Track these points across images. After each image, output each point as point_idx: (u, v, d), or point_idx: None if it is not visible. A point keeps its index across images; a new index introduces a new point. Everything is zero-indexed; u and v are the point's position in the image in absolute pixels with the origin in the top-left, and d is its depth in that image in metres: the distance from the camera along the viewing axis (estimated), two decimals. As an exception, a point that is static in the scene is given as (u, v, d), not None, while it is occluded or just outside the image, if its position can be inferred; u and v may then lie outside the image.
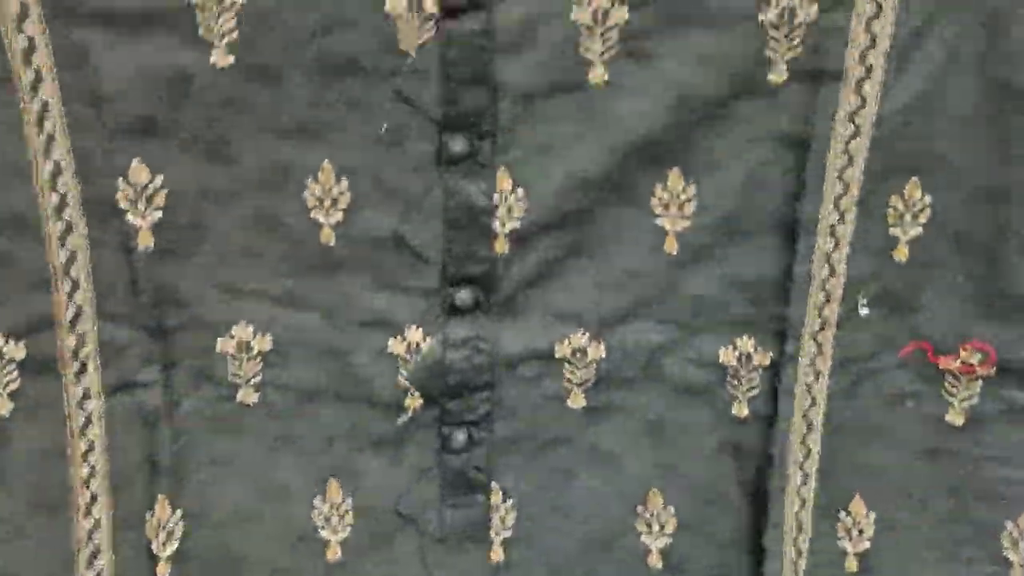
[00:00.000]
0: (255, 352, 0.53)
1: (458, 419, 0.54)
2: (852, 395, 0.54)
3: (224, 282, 0.51)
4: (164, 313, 0.51)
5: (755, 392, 0.54)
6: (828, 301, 0.52)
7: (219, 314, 0.52)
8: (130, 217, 0.49)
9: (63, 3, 0.44)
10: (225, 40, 0.46)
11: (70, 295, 0.50)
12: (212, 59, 0.46)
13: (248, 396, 0.53)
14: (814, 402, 0.53)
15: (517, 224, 0.51)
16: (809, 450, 0.54)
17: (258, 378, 0.53)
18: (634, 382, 0.54)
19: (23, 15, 0.45)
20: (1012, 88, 0.48)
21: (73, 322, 0.50)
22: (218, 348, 0.52)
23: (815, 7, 0.46)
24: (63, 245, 0.49)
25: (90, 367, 0.51)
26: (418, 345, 0.53)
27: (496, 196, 0.50)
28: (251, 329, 0.52)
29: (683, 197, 0.51)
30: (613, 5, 0.46)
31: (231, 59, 0.46)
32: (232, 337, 0.52)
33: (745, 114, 0.49)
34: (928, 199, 0.50)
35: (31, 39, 0.45)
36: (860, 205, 0.50)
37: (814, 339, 0.52)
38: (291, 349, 0.53)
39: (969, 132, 0.49)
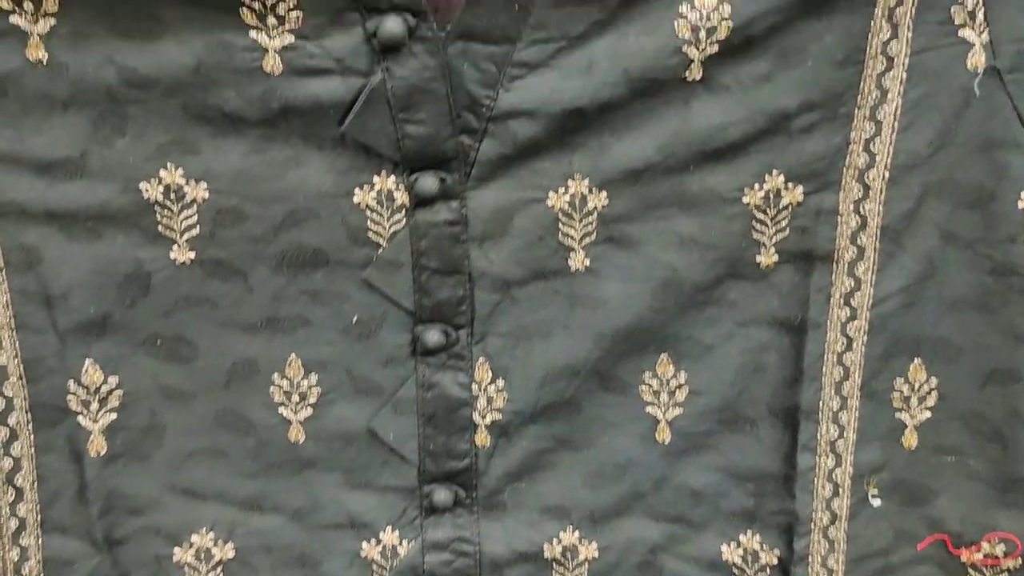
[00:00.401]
0: (216, 561, 0.48)
1: (439, 631, 0.50)
2: None
3: (183, 486, 0.47)
4: (115, 522, 0.47)
5: (763, 594, 0.50)
6: (836, 493, 0.48)
7: (177, 521, 0.48)
8: (81, 420, 0.46)
9: (15, 204, 0.42)
10: (186, 236, 0.44)
11: (12, 506, 0.47)
12: (172, 255, 0.44)
13: (207, 611, 0.49)
14: (828, 602, 0.49)
15: (498, 416, 0.47)
16: (824, 655, 0.49)
17: (218, 591, 0.49)
18: (631, 584, 0.50)
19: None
20: (1008, 266, 0.45)
21: (16, 535, 0.47)
22: (175, 558, 0.48)
23: (800, 189, 0.44)
24: (6, 453, 0.46)
25: (33, 584, 0.47)
26: (395, 549, 0.49)
27: (475, 387, 0.47)
28: (212, 536, 0.48)
29: (674, 384, 0.48)
30: (591, 191, 0.44)
31: (192, 255, 0.44)
32: (191, 545, 0.48)
33: (734, 298, 0.46)
34: (934, 381, 0.47)
35: (-21, 241, 0.44)
36: (863, 390, 0.47)
37: (824, 535, 0.48)
38: (255, 557, 0.48)
39: (969, 312, 0.46)
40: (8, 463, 0.46)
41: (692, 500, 0.49)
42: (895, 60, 0.42)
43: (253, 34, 0.40)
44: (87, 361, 0.45)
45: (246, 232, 0.44)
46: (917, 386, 0.47)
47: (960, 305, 0.46)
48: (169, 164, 0.42)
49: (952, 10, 0.42)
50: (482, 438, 0.48)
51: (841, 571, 0.48)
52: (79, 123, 0.41)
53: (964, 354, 0.47)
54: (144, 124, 0.42)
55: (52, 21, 0.39)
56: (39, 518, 0.46)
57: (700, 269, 0.46)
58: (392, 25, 0.40)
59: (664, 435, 0.48)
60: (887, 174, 0.44)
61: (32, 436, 0.46)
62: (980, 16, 0.42)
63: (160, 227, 0.43)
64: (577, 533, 0.49)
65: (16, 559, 0.47)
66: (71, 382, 0.45)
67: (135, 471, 0.47)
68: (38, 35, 0.40)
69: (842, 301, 0.46)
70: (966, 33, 0.42)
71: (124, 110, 0.41)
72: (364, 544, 0.48)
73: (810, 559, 0.48)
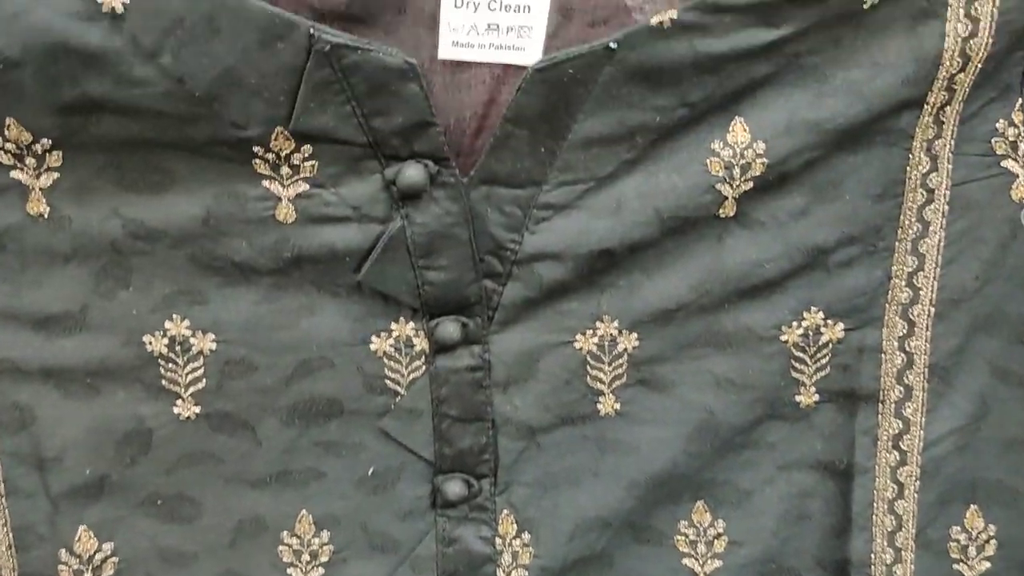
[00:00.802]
0: None
1: None
2: None
3: (183, 656, 0.44)
4: None
5: None
6: (892, 651, 0.45)
7: None
8: (74, 591, 0.43)
9: (9, 361, 0.40)
10: (191, 390, 0.41)
11: None
12: (176, 410, 0.41)
13: None
14: None
15: (525, 573, 0.44)
16: None
17: None
18: None
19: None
20: None
21: None
22: None
23: (840, 325, 0.42)
24: (-7, 628, 0.43)
25: None
26: None
27: (499, 542, 0.44)
28: None
29: (711, 533, 0.45)
30: (621, 333, 0.42)
31: (197, 409, 0.41)
32: None
33: (774, 440, 0.44)
34: (992, 529, 0.44)
35: (-30, 399, 0.41)
36: (918, 540, 0.44)
37: None
38: None
39: None
40: (-7, 639, 0.43)
41: (735, 659, 0.46)
42: (936, 192, 0.41)
43: (266, 183, 0.38)
44: (80, 528, 0.42)
45: (255, 384, 0.41)
46: (975, 534, 0.44)
47: (1017, 445, 0.43)
48: (175, 315, 0.40)
49: (993, 141, 0.40)
50: (508, 596, 0.45)
51: None
52: (80, 276, 0.39)
53: (1021, 498, 0.44)
54: (149, 275, 0.39)
55: (55, 175, 0.37)
56: None
57: (737, 411, 0.43)
58: (412, 173, 0.38)
59: (703, 589, 0.45)
60: (932, 309, 0.42)
61: None
62: (1023, 147, 0.41)
63: (164, 381, 0.41)
64: None
65: None
66: (63, 551, 0.42)
67: (132, 641, 0.44)
68: (40, 189, 0.38)
69: (890, 444, 0.43)
70: (1009, 164, 0.41)
71: (128, 262, 0.39)
72: None
73: None
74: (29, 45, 0.34)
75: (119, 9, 0.33)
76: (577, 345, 0.42)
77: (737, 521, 0.44)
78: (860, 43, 0.38)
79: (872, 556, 0.44)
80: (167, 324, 0.40)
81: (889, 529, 0.44)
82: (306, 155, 0.38)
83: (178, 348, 0.41)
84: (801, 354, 0.43)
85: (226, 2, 0.34)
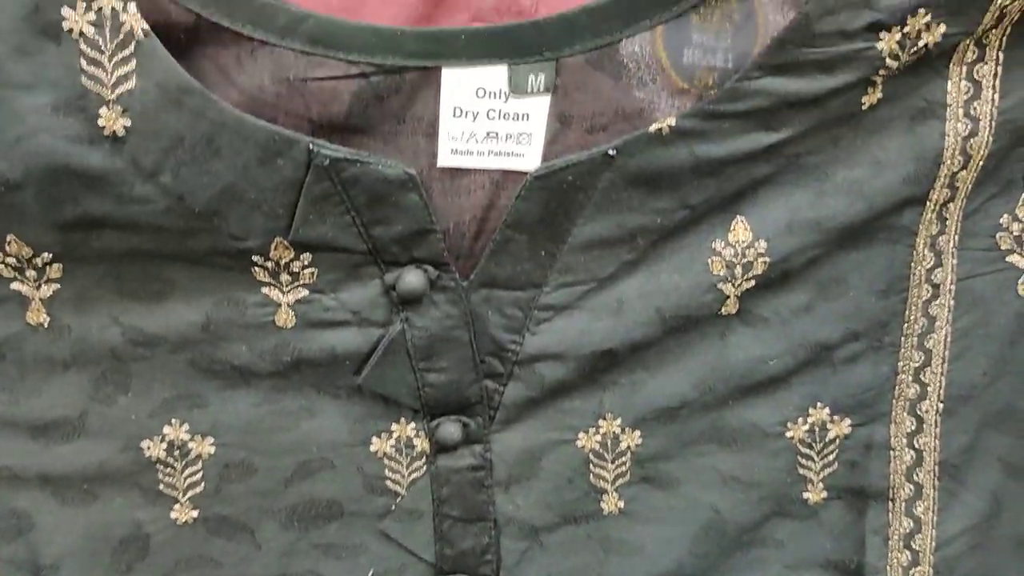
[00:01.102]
0: None
1: None
2: None
3: None
4: None
5: None
6: None
7: None
8: None
9: (7, 468, 0.39)
10: (189, 494, 0.40)
11: None
12: (173, 515, 0.40)
13: None
14: None
15: (530, 676, 0.44)
16: None
17: None
18: None
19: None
20: None
21: None
22: None
23: (847, 421, 0.42)
24: None
25: None
26: None
27: (502, 643, 0.44)
28: None
29: (720, 632, 0.45)
30: (624, 430, 0.41)
31: (195, 513, 0.41)
32: None
33: (782, 537, 0.43)
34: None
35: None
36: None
37: None
38: None
39: None
40: None
41: None
42: (941, 288, 0.40)
43: (265, 290, 0.38)
44: None
45: (255, 486, 0.41)
46: None
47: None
48: (174, 420, 0.39)
49: (997, 236, 0.40)
50: None
51: None
52: (79, 383, 0.39)
53: None
54: (148, 380, 0.39)
55: (55, 286, 0.37)
56: None
57: (744, 509, 0.42)
58: (412, 279, 0.38)
59: None
60: (941, 405, 0.41)
61: None
62: (1027, 242, 0.41)
63: (162, 486, 0.40)
64: None
65: None
66: None
67: None
68: (40, 300, 0.37)
69: (902, 544, 0.42)
70: (1014, 259, 0.40)
71: (128, 367, 0.39)
72: None
73: None
74: (31, 169, 0.34)
75: (120, 132, 0.33)
76: (579, 443, 0.42)
77: (745, 621, 0.44)
78: (860, 142, 0.38)
79: (885, 657, 0.43)
80: (166, 429, 0.40)
81: None
82: (305, 263, 0.38)
83: (176, 452, 0.40)
84: (808, 450, 0.42)
85: (226, 122, 0.34)
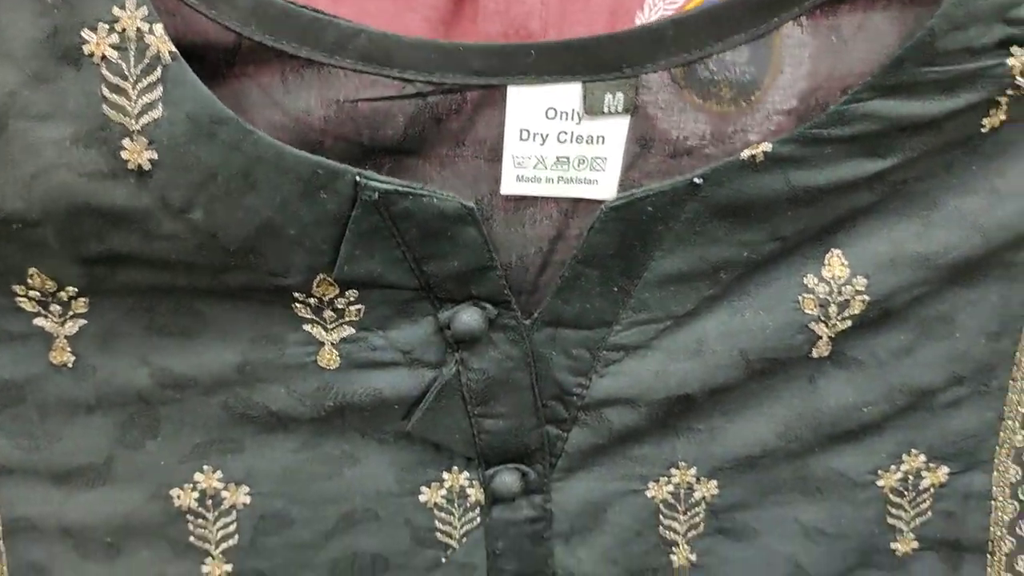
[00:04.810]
0: None
1: None
2: None
3: None
4: None
5: None
6: None
7: None
8: None
9: (25, 519, 0.36)
10: (222, 548, 0.37)
11: None
12: (205, 569, 0.37)
13: None
14: None
15: None
16: None
17: None
18: None
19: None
20: None
21: None
22: None
23: (944, 469, 0.38)
24: None
25: None
26: None
27: None
28: None
29: None
30: (699, 480, 0.37)
31: (228, 568, 0.37)
32: None
33: (868, 588, 0.40)
34: None
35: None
36: None
37: None
38: None
39: None
40: None
41: None
42: (1057, 328, 0.37)
43: (307, 327, 0.34)
44: None
45: (292, 539, 0.37)
46: None
47: None
48: (206, 467, 0.36)
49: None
50: None
51: None
52: (105, 427, 0.35)
53: None
54: (179, 424, 0.35)
55: (81, 322, 0.34)
56: None
57: (827, 562, 0.39)
58: (469, 318, 0.34)
59: None
60: (1051, 451, 0.38)
61: None
62: None
63: (192, 538, 0.37)
64: None
65: None
66: None
67: None
68: (65, 337, 0.34)
69: (1000, 600, 0.40)
70: None
71: (156, 411, 0.35)
72: None
73: None
74: (50, 207, 0.30)
75: (146, 166, 0.29)
76: (649, 494, 0.38)
77: None
78: (976, 168, 0.34)
79: None
80: (197, 476, 0.36)
81: None
82: (351, 299, 0.34)
83: (209, 502, 0.37)
84: (899, 499, 0.38)
85: (263, 155, 0.29)
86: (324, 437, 0.36)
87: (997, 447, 0.38)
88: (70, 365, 0.34)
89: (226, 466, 0.36)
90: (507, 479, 0.37)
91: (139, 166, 0.29)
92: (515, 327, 0.35)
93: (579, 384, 0.36)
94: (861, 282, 0.35)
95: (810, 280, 0.35)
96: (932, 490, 0.38)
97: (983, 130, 0.33)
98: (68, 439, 0.35)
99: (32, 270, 0.32)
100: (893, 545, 0.39)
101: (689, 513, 0.38)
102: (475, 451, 0.37)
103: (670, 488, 0.38)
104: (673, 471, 0.38)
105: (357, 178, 0.31)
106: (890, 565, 0.39)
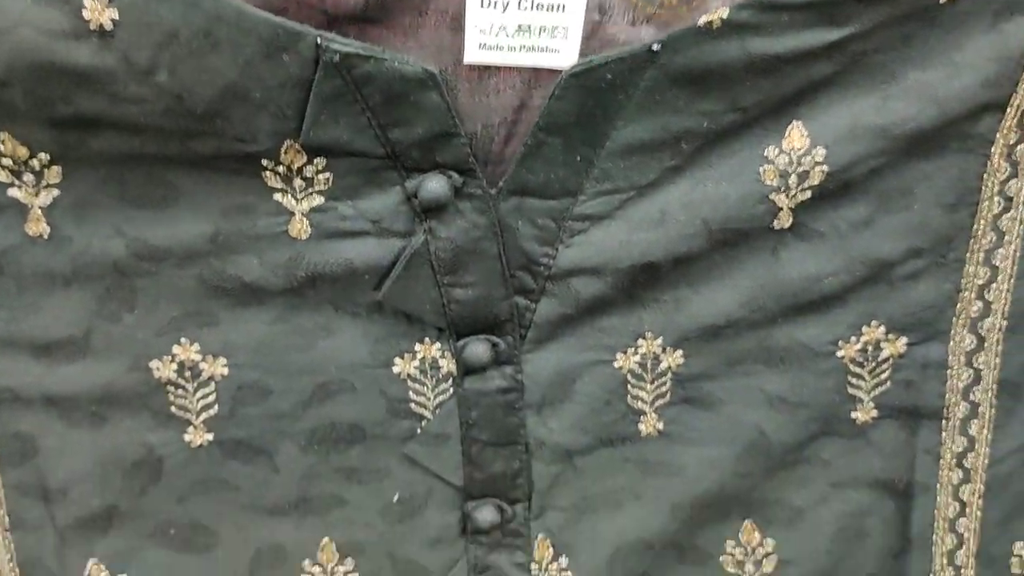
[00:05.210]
0: None
1: None
2: None
3: None
4: None
5: None
6: (952, 674, 0.43)
7: None
8: (88, 629, 0.41)
9: (9, 390, 0.37)
10: (202, 417, 0.38)
11: None
12: (187, 438, 0.39)
13: None
14: None
15: (562, 599, 0.43)
16: None
17: None
18: None
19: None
20: None
21: None
22: None
23: (903, 340, 0.39)
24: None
25: None
26: None
27: (535, 568, 0.41)
28: None
29: (760, 552, 0.42)
30: (664, 350, 0.39)
31: (210, 436, 0.39)
32: None
33: (828, 456, 0.41)
34: (1058, 545, 0.42)
35: (-29, 430, 0.39)
36: (979, 557, 0.41)
37: None
38: None
39: None
40: None
41: None
42: (1014, 200, 0.37)
43: (278, 197, 0.35)
44: (90, 562, 0.39)
45: (271, 409, 0.38)
46: None
47: None
48: (183, 339, 0.37)
49: (1080, 143, 0.37)
50: (544, 621, 0.43)
51: None
52: (82, 299, 0.36)
53: None
54: (155, 297, 0.36)
55: (55, 192, 0.34)
56: None
57: (790, 430, 0.40)
58: (435, 186, 0.34)
59: (752, 611, 0.43)
60: (1005, 323, 0.38)
61: None
62: (1113, 150, 0.37)
63: (173, 408, 0.38)
64: None
65: None
66: None
67: None
68: (39, 208, 0.34)
69: (954, 463, 0.40)
70: (1097, 168, 0.37)
71: (133, 283, 0.36)
72: None
73: None
74: (14, 65, 0.30)
75: (108, 26, 0.30)
76: (617, 364, 0.39)
77: (788, 540, 0.42)
78: (934, 41, 0.34)
79: (932, 575, 0.42)
80: (175, 348, 0.37)
81: (949, 547, 0.41)
82: (320, 168, 0.34)
83: (188, 373, 0.38)
84: (859, 369, 0.40)
85: (223, 14, 0.30)
86: (298, 310, 0.37)
87: (954, 318, 0.39)
88: (46, 236, 0.35)
89: (203, 339, 0.37)
90: (478, 349, 0.38)
91: (101, 26, 0.30)
92: (481, 196, 0.35)
93: (545, 254, 0.37)
94: (820, 153, 0.35)
95: (770, 151, 0.35)
96: (891, 360, 0.40)
97: (940, 1, 0.33)
98: (46, 311, 0.36)
99: (3, 135, 0.32)
100: (853, 414, 0.40)
101: (656, 383, 0.40)
102: (446, 321, 0.38)
103: (637, 358, 0.39)
104: (640, 341, 0.39)
105: (318, 40, 0.31)
106: (850, 433, 0.41)
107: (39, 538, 0.39)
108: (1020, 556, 0.42)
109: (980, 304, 0.39)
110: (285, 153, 0.34)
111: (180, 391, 0.38)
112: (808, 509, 0.42)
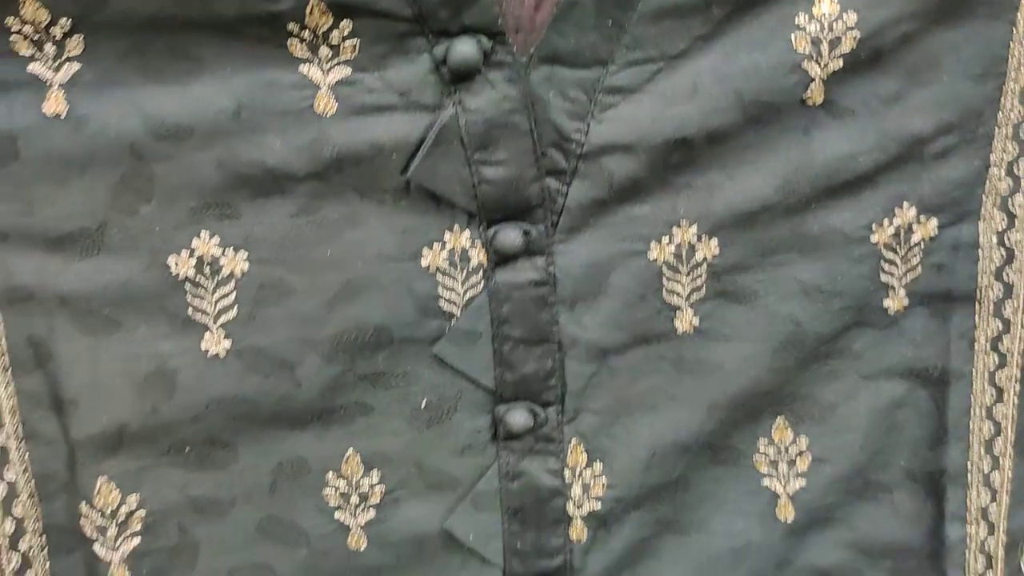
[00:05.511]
0: None
1: None
2: None
3: (223, 613, 0.40)
4: (144, 667, 0.40)
5: None
6: (990, 566, 0.42)
7: (220, 652, 0.41)
8: (97, 549, 0.38)
9: (23, 288, 0.35)
10: (221, 320, 0.36)
11: (22, 655, 0.39)
12: (204, 346, 0.36)
13: None
14: None
15: (597, 505, 0.40)
16: None
17: None
18: None
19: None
20: None
21: None
22: None
23: (934, 222, 0.39)
24: (16, 587, 0.38)
25: None
26: (480, 671, 0.42)
27: (568, 474, 0.40)
28: (260, 671, 0.41)
29: (794, 451, 0.41)
30: (700, 239, 0.38)
31: (227, 344, 0.37)
32: None
33: (859, 349, 0.40)
34: (1096, 430, 0.42)
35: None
36: (1017, 447, 0.41)
37: (980, 619, 0.43)
38: None
39: None
40: (18, 601, 0.38)
41: (821, 583, 0.43)
42: (1041, 68, 0.38)
43: (303, 68, 0.34)
44: (100, 480, 0.37)
45: (294, 310, 0.37)
46: None
47: None
48: (203, 232, 0.35)
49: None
50: (578, 531, 0.41)
51: (1003, 654, 0.42)
52: (98, 188, 0.34)
53: None
54: (174, 186, 0.35)
55: (76, 67, 0.33)
56: (52, 669, 0.39)
57: (825, 320, 0.39)
58: (464, 49, 0.33)
59: (786, 512, 0.41)
60: (1036, 198, 0.39)
61: (47, 564, 0.38)
62: None
63: (190, 310, 0.36)
64: (692, 630, 0.42)
65: None
66: (83, 504, 0.37)
67: (165, 602, 0.40)
68: (59, 85, 0.33)
69: (988, 347, 0.40)
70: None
71: (150, 169, 0.34)
72: (443, 672, 0.41)
73: (968, 645, 0.42)
74: None
75: None
76: (652, 255, 0.38)
77: (821, 437, 0.41)
78: None
79: (969, 465, 0.41)
80: (194, 242, 0.35)
81: (987, 436, 0.41)
82: (346, 32, 0.33)
83: (207, 270, 0.36)
84: (892, 255, 0.39)
85: None
86: (322, 199, 0.36)
87: (984, 196, 0.39)
88: (63, 116, 0.33)
89: (223, 232, 0.36)
90: (509, 236, 0.37)
91: None
92: (511, 63, 0.34)
93: (577, 129, 0.36)
94: (851, 18, 0.35)
95: (801, 18, 0.35)
96: (923, 244, 0.39)
97: None
98: (62, 202, 0.34)
99: None
100: (886, 303, 0.40)
101: (691, 275, 0.39)
102: (476, 204, 0.36)
103: (672, 249, 0.38)
104: (675, 230, 0.38)
105: None
106: (882, 323, 0.40)
107: (53, 451, 0.37)
108: (1057, 444, 0.42)
109: (1010, 180, 0.38)
110: (310, 14, 0.32)
111: (199, 290, 0.36)
112: (840, 404, 0.41)
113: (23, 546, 0.38)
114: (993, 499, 0.41)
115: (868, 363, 0.41)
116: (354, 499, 0.40)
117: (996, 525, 0.41)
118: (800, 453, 0.41)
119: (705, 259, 0.38)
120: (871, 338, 0.40)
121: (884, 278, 0.40)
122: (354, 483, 0.39)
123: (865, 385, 0.41)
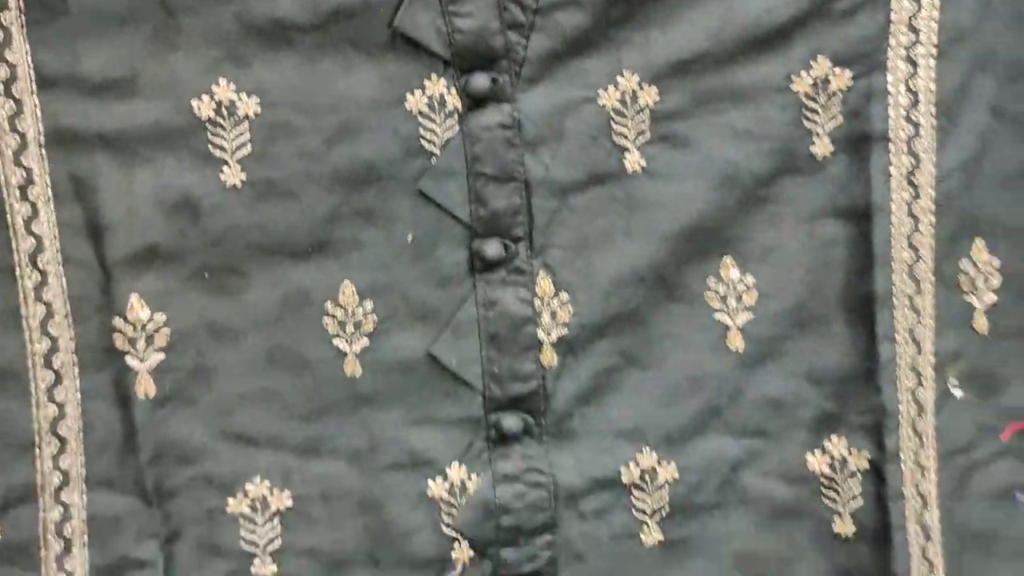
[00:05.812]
0: (272, 511, 0.45)
1: (516, 570, 0.46)
2: (962, 495, 0.47)
3: (235, 432, 0.45)
4: (165, 473, 0.44)
5: (857, 503, 0.46)
6: (920, 383, 0.46)
7: (229, 469, 0.45)
8: (129, 360, 0.43)
9: (69, 130, 0.42)
10: (237, 156, 0.43)
11: (56, 459, 0.44)
12: (223, 177, 0.43)
13: (264, 567, 0.45)
14: (926, 504, 0.46)
15: (564, 331, 0.46)
16: (932, 565, 0.46)
17: (275, 544, 0.45)
18: (715, 507, 0.46)
19: (22, 147, 0.42)
20: None
21: (58, 491, 0.44)
22: (228, 510, 0.44)
23: (847, 73, 0.45)
24: (51, 399, 0.43)
25: (75, 546, 0.44)
26: (463, 485, 0.46)
27: (538, 303, 0.45)
28: (267, 484, 0.45)
29: (741, 287, 0.46)
30: (641, 87, 0.44)
31: (243, 176, 0.43)
32: (245, 495, 0.45)
33: (793, 192, 0.46)
34: (996, 262, 0.46)
35: (28, 171, 0.42)
36: (936, 274, 0.46)
37: (913, 428, 0.46)
38: (314, 506, 0.45)
39: (1022, 189, 0.46)
40: (52, 410, 0.43)
41: (771, 411, 0.46)
42: (931, -72, 0.44)
43: None
44: (133, 296, 0.43)
45: (298, 148, 0.43)
46: (981, 267, 0.46)
47: (1013, 182, 0.46)
48: (222, 79, 0.42)
49: None
50: (548, 357, 0.46)
51: (933, 468, 0.45)
52: (134, 39, 0.42)
53: (1019, 233, 0.46)
54: (198, 37, 0.42)
55: None
56: (84, 472, 0.43)
57: (757, 161, 0.45)
58: None
59: (736, 342, 0.46)
60: (935, 49, 0.45)
61: (78, 380, 0.43)
62: None
63: (211, 147, 0.43)
64: (655, 455, 0.46)
65: (58, 519, 0.43)
66: (117, 318, 0.43)
67: (184, 417, 0.44)
68: None
69: (904, 181, 0.45)
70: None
71: (178, 22, 0.41)
72: (430, 483, 0.45)
73: (902, 456, 0.45)
74: None
75: None
76: (600, 101, 0.45)
77: (765, 275, 0.46)
78: None
79: (894, 289, 0.46)
80: (214, 88, 0.42)
81: (908, 262, 0.46)
82: None
83: (225, 112, 0.43)
84: (812, 103, 0.45)
85: None
86: (322, 51, 0.43)
87: (889, 49, 0.45)
88: None
89: (239, 79, 0.43)
90: (479, 80, 0.43)
91: None
92: None
93: None
94: None
95: None
96: (840, 94, 0.45)
97: None
98: (103, 51, 0.42)
99: None
100: (813, 149, 0.46)
101: (636, 119, 0.45)
102: (450, 52, 0.43)
103: (617, 95, 0.44)
104: (619, 79, 0.44)
105: None
106: (811, 169, 0.46)
107: (88, 275, 0.43)
108: (967, 274, 0.46)
109: (911, 33, 0.45)
110: None
111: (218, 129, 0.43)
112: (780, 245, 0.46)
113: (56, 363, 0.43)
114: (918, 320, 0.46)
115: (802, 206, 0.46)
116: (350, 328, 0.45)
117: (922, 345, 0.46)
118: (747, 289, 0.46)
119: (647, 105, 0.45)
120: (803, 183, 0.46)
121: (808, 125, 0.45)
122: (350, 312, 0.45)
123: (801, 227, 0.46)
